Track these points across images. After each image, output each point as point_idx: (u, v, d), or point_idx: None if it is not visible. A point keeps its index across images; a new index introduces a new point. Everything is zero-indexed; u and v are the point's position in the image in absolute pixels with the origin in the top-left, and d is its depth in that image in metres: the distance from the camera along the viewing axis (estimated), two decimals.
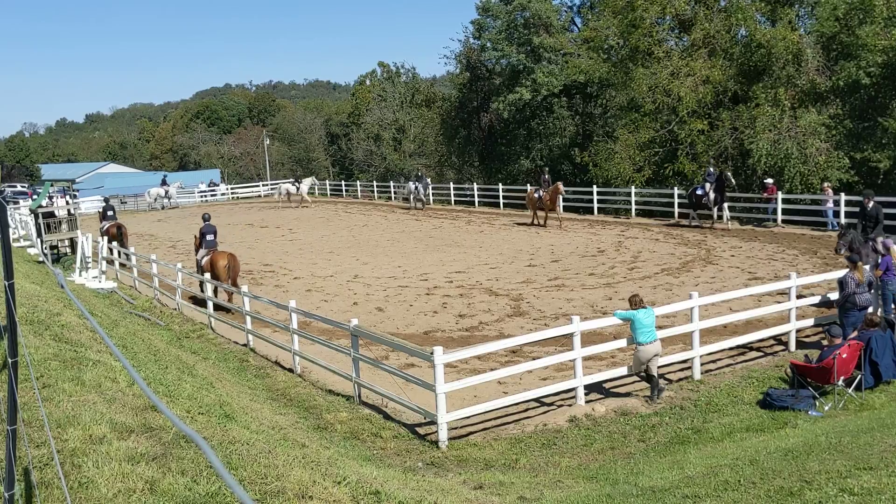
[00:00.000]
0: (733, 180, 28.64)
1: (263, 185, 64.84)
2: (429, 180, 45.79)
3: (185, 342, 16.52)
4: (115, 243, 27.01)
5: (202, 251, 20.66)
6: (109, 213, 30.63)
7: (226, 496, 4.96)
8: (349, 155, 77.51)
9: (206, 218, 21.48)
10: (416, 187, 43.96)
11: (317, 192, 55.01)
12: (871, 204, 19.01)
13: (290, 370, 14.53)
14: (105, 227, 28.97)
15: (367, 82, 79.20)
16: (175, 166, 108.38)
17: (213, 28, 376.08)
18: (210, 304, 18.52)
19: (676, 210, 31.96)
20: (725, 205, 28.41)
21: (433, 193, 47.47)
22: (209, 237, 20.80)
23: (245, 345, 16.49)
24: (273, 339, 15.55)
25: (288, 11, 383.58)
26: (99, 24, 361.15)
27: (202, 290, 19.26)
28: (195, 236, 21.66)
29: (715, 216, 28.83)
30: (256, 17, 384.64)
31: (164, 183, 55.89)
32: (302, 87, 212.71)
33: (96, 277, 23.96)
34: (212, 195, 61.37)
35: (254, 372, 14.58)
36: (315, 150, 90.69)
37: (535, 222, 33.38)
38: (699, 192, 29.08)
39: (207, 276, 19.41)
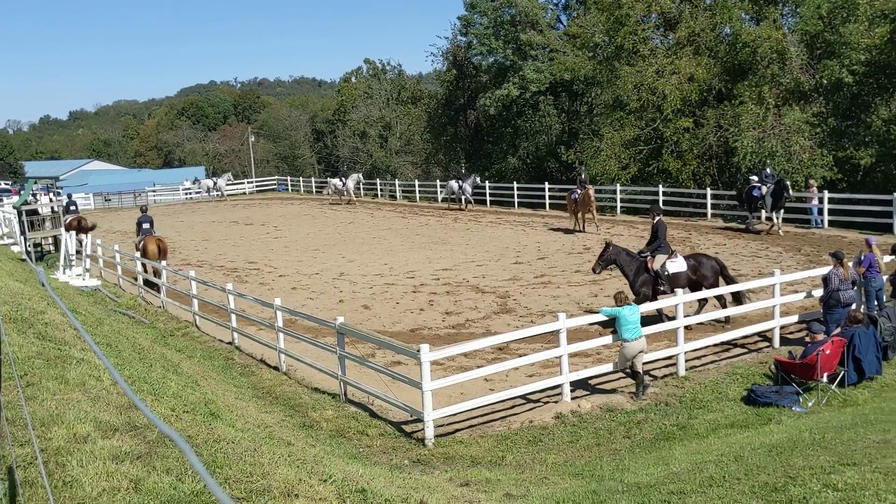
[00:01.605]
0: (792, 192, 26.12)
1: (249, 183, 64.49)
2: (477, 178, 41.59)
3: (170, 340, 16.44)
4: (81, 235, 26.86)
5: (138, 237, 24.00)
6: (72, 207, 31.97)
7: (211, 495, 4.94)
8: (335, 152, 77.35)
9: (143, 209, 26.23)
10: (461, 186, 40.48)
11: (362, 191, 50.66)
12: None
13: (276, 368, 14.49)
14: (67, 220, 28.96)
15: (353, 79, 78.93)
16: (159, 164, 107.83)
17: (199, 25, 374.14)
18: (140, 279, 22.14)
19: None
20: (781, 211, 26.01)
21: (420, 191, 47.48)
22: (145, 225, 24.23)
23: (230, 343, 16.42)
24: (258, 337, 15.49)
25: (274, 8, 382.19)
26: (85, 22, 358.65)
27: (145, 271, 22.42)
28: (136, 224, 25.16)
29: (769, 219, 26.36)
30: (242, 15, 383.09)
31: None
32: (287, 83, 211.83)
33: (80, 275, 23.77)
34: (217, 192, 57.01)
35: (239, 370, 14.52)
36: (301, 147, 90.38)
37: (576, 227, 30.20)
38: (755, 193, 26.50)
39: (138, 254, 22.86)
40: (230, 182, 56.89)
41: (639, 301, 13.92)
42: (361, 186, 50.13)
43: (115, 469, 5.06)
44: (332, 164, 79.05)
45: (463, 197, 40.30)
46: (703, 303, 15.24)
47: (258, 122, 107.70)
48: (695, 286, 15.00)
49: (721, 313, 14.63)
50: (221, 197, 56.20)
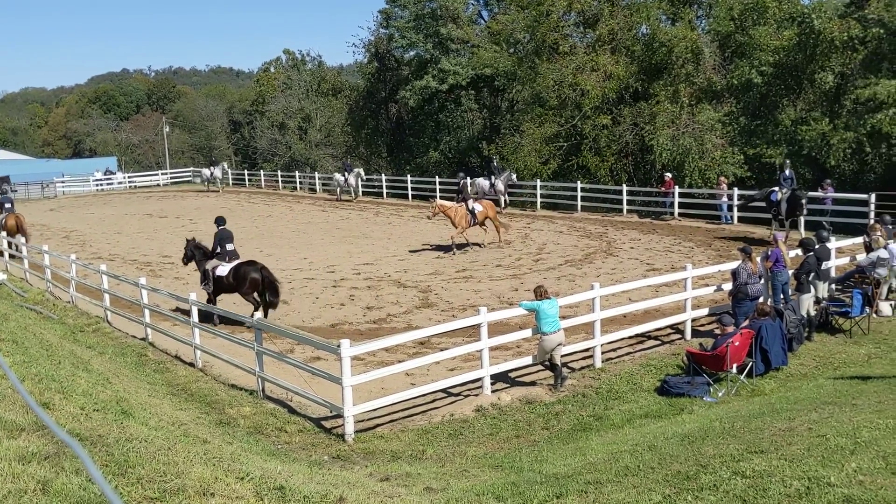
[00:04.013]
0: (805, 207, 22.94)
1: (163, 174, 62.75)
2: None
3: (80, 336, 15.85)
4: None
5: (1, 215, 26.37)
6: (7, 205, 30.48)
7: (122, 495, 4.79)
8: (252, 143, 75.87)
9: (3, 191, 31.47)
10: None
11: (360, 186, 43.06)
12: None
13: (192, 365, 14.14)
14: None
15: (272, 69, 77.61)
16: (69, 154, 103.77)
17: (111, 10, 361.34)
18: (6, 254, 24.53)
19: (580, 203, 32.60)
20: (799, 222, 23.10)
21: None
22: (7, 205, 27.59)
23: (144, 339, 15.95)
24: (173, 333, 15.10)
25: None
26: None
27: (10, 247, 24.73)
28: None
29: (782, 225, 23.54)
30: (156, 1, 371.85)
31: (213, 164, 51.28)
32: (204, 73, 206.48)
33: None
34: (108, 184, 58.94)
35: (153, 367, 14.11)
36: (217, 138, 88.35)
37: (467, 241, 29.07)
38: (773, 198, 23.67)
39: (4, 233, 25.40)
40: (225, 173, 51.09)
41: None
42: (360, 182, 42.98)
43: (21, 470, 4.85)
44: (250, 155, 77.55)
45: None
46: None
47: (173, 112, 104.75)
48: (233, 291, 16.58)
49: (629, 308, 14.99)
50: (216, 187, 50.82)
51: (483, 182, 34.07)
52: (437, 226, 30.74)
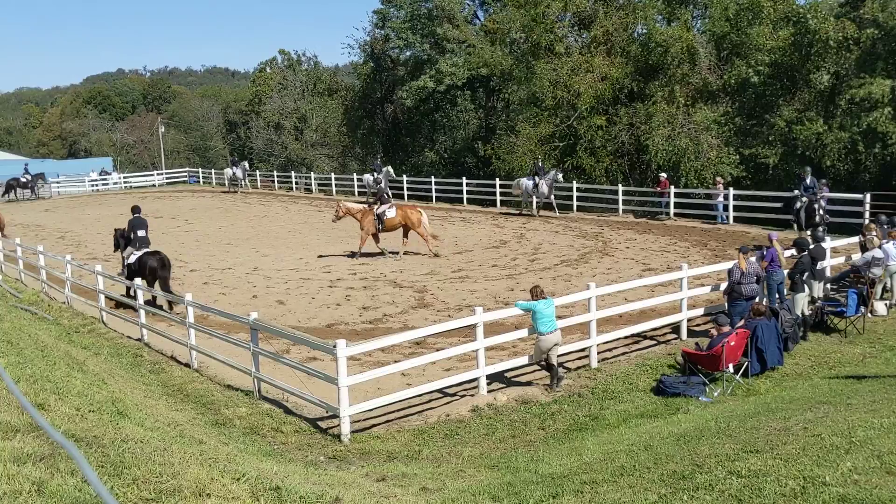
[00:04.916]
0: (824, 217, 21.74)
1: (159, 175, 62.62)
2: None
3: (75, 337, 15.81)
4: None
5: None
6: None
7: (118, 496, 4.78)
8: (248, 144, 75.75)
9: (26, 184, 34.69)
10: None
11: (276, 183, 42.86)
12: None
13: (187, 365, 14.12)
14: None
15: (268, 70, 77.46)
16: (64, 154, 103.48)
17: (107, 10, 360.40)
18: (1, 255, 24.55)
19: (575, 203, 32.60)
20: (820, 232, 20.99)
21: (336, 184, 47.00)
22: None
23: (139, 339, 15.92)
24: (168, 334, 15.07)
25: None
26: None
27: None
28: None
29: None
30: (151, 1, 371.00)
31: (234, 164, 49.84)
32: (199, 73, 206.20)
33: None
34: (103, 184, 58.79)
35: (148, 367, 14.09)
36: (213, 138, 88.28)
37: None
38: (797, 204, 22.76)
39: None
40: (247, 172, 49.04)
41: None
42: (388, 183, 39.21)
43: (16, 471, 4.83)
44: (246, 155, 77.43)
45: (235, 181, 40.17)
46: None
47: (168, 113, 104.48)
48: (142, 277, 17.69)
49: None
50: (238, 187, 49.10)
51: (526, 182, 31.83)
52: (432, 225, 30.70)
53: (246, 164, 48.95)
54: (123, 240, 19.38)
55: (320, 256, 24.43)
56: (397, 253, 23.57)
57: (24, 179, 50.81)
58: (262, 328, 12.37)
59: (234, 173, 47.46)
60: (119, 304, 17.62)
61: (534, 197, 31.71)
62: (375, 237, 23.47)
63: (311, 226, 32.31)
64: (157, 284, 17.70)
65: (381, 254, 23.51)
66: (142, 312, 15.99)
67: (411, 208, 24.25)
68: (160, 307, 17.13)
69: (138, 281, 16.69)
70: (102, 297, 17.73)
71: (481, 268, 21.60)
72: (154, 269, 17.84)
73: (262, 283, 20.78)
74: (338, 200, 25.64)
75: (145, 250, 18.43)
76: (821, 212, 21.85)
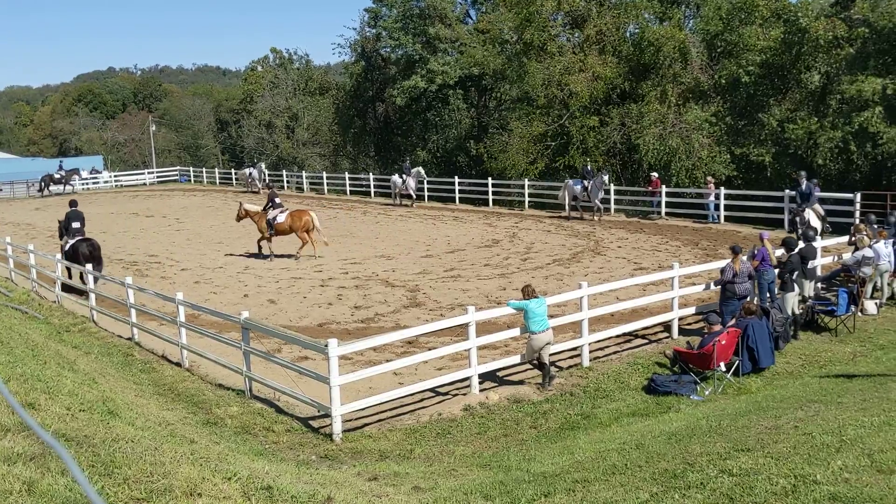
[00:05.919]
0: (814, 228, 19.88)
1: (150, 173, 62.42)
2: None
3: (66, 336, 15.74)
4: None
5: None
6: None
7: (108, 496, 4.76)
8: (240, 142, 75.58)
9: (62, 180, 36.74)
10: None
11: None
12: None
13: (178, 364, 14.07)
14: None
15: (259, 68, 77.26)
16: (54, 152, 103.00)
17: (96, 6, 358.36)
18: None
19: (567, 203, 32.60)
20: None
21: (328, 183, 46.93)
22: None
23: (130, 338, 15.86)
24: (159, 333, 15.01)
25: None
26: None
27: None
28: None
29: None
30: None
31: (252, 166, 50.18)
32: (190, 71, 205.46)
33: None
34: (94, 183, 58.53)
35: (139, 366, 14.03)
36: (204, 136, 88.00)
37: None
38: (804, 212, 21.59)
39: None
40: (262, 173, 48.09)
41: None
42: (425, 183, 38.40)
43: (7, 471, 4.81)
44: (237, 154, 77.27)
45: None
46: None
47: (159, 111, 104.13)
48: (76, 262, 19.37)
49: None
50: (255, 187, 47.62)
51: (574, 185, 30.21)
52: (425, 225, 30.75)
53: (262, 165, 48.87)
54: (64, 230, 21.15)
55: (228, 255, 25.26)
56: (287, 256, 24.14)
57: (57, 176, 53.09)
58: (253, 327, 12.34)
59: (250, 173, 47.34)
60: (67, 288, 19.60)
61: (578, 200, 30.25)
62: (269, 239, 24.06)
63: None
64: (90, 266, 19.05)
65: (267, 256, 24.05)
66: (132, 311, 15.92)
67: (303, 211, 24.56)
68: (85, 283, 18.55)
69: (89, 266, 18.45)
70: (93, 295, 17.66)
71: (473, 267, 21.60)
72: (86, 254, 19.71)
73: (253, 282, 20.73)
74: (240, 202, 26.44)
75: (78, 238, 20.37)
76: (808, 219, 21.00)
